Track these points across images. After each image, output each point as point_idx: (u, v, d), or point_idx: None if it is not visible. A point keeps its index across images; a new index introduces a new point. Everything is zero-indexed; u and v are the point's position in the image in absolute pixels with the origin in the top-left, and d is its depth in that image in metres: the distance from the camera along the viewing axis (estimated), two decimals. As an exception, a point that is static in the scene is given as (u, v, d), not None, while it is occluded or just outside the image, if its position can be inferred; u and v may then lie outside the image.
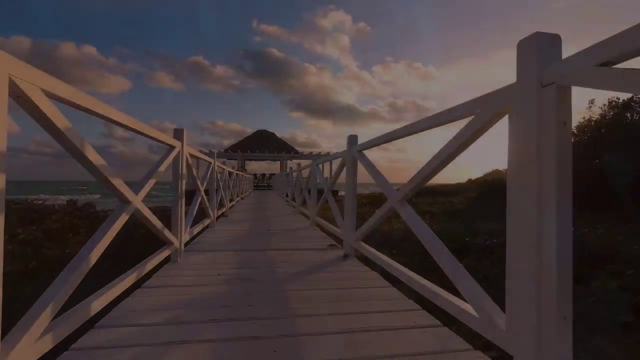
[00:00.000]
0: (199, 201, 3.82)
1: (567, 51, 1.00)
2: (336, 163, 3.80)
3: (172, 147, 2.67)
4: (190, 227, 3.43)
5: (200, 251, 3.25)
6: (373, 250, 2.65)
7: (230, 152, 26.88)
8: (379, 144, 2.66)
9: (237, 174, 9.95)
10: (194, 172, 3.52)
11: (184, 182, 2.94)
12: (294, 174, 9.21)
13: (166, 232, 2.52)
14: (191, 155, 3.32)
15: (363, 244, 2.86)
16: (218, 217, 5.86)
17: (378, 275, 2.48)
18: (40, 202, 13.40)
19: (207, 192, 4.93)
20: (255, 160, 30.80)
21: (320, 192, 4.95)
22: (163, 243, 2.64)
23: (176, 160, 2.81)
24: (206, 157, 4.44)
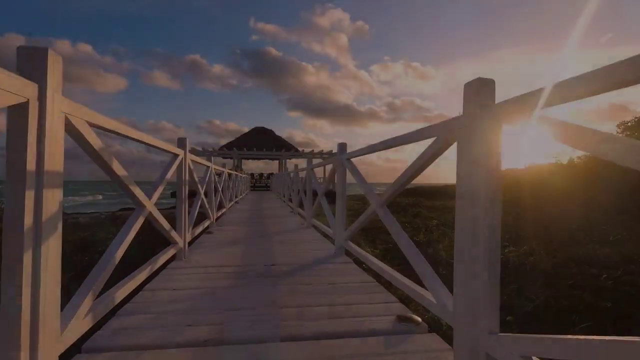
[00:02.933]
0: (138, 223, 1.94)
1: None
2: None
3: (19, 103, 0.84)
4: (95, 300, 1.56)
5: (117, 352, 1.40)
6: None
7: (226, 149, 24.96)
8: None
9: (229, 173, 8.09)
10: (107, 158, 1.67)
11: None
12: (301, 173, 7.37)
13: None
14: (96, 127, 1.48)
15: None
16: (196, 238, 4.01)
17: None
18: None
19: (174, 198, 3.06)
20: (252, 159, 28.94)
21: (357, 200, 3.10)
22: None
23: (21, 123, 0.98)
24: (154, 141, 2.49)
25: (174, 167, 2.81)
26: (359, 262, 3.18)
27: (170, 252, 2.72)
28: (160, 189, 2.39)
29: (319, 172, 20.38)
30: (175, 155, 2.90)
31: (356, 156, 3.12)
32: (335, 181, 3.45)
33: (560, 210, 7.26)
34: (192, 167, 3.47)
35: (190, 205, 4.06)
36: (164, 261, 2.55)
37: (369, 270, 2.96)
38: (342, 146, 3.38)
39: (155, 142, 2.34)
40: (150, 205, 2.13)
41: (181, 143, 3.13)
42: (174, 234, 2.80)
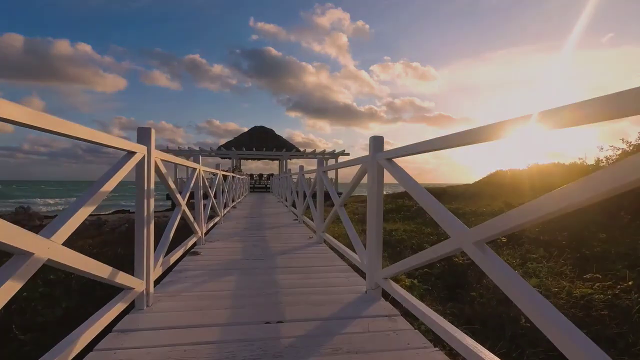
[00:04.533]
0: (11, 287, 0.95)
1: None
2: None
3: None
4: None
5: None
6: None
7: (224, 149, 23.92)
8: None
9: (224, 176, 7.07)
10: None
11: None
12: (308, 175, 6.36)
13: None
14: None
15: None
16: (178, 262, 2.99)
17: None
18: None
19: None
20: (251, 159, 27.95)
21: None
22: None
23: None
24: (77, 130, 1.42)
25: (126, 170, 1.79)
26: (394, 303, 2.18)
27: (116, 310, 1.70)
28: (83, 213, 1.37)
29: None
30: (130, 153, 1.88)
31: (401, 156, 2.11)
32: (368, 190, 2.44)
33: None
34: (163, 169, 2.46)
35: (171, 210, 3.05)
36: (97, 332, 1.53)
37: (411, 315, 1.96)
38: (378, 141, 2.36)
39: (81, 131, 1.32)
40: (46, 248, 1.12)
41: (143, 135, 2.11)
42: (124, 277, 1.78)
